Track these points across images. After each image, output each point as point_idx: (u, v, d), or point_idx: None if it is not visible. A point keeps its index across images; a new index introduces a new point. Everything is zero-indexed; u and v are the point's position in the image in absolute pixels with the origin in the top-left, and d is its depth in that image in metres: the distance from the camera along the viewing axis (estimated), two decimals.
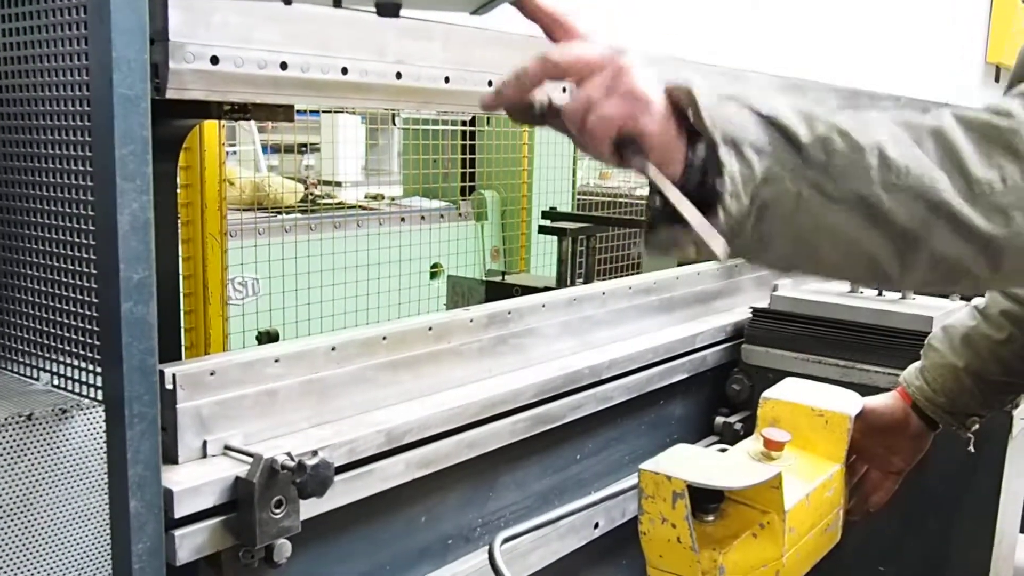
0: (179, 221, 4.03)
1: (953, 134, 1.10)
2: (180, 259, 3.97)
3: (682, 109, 1.14)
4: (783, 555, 1.74)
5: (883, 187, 1.08)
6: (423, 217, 6.30)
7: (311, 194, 6.69)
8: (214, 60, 1.43)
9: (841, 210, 1.10)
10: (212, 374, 1.51)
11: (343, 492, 1.61)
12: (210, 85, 1.44)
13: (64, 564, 1.25)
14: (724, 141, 1.09)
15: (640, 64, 1.15)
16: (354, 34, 1.65)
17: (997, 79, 4.81)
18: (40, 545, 1.23)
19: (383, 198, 7.07)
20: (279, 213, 5.65)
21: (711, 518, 1.73)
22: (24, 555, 1.21)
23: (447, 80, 1.83)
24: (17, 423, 1.19)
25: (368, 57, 1.67)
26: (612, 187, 10.68)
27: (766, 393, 2.02)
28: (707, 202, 1.09)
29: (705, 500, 1.70)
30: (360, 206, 6.58)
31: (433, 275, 6.16)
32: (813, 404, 1.96)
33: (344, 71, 1.64)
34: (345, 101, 1.74)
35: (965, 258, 1.11)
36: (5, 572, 1.19)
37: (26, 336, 1.37)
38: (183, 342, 3.80)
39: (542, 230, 4.09)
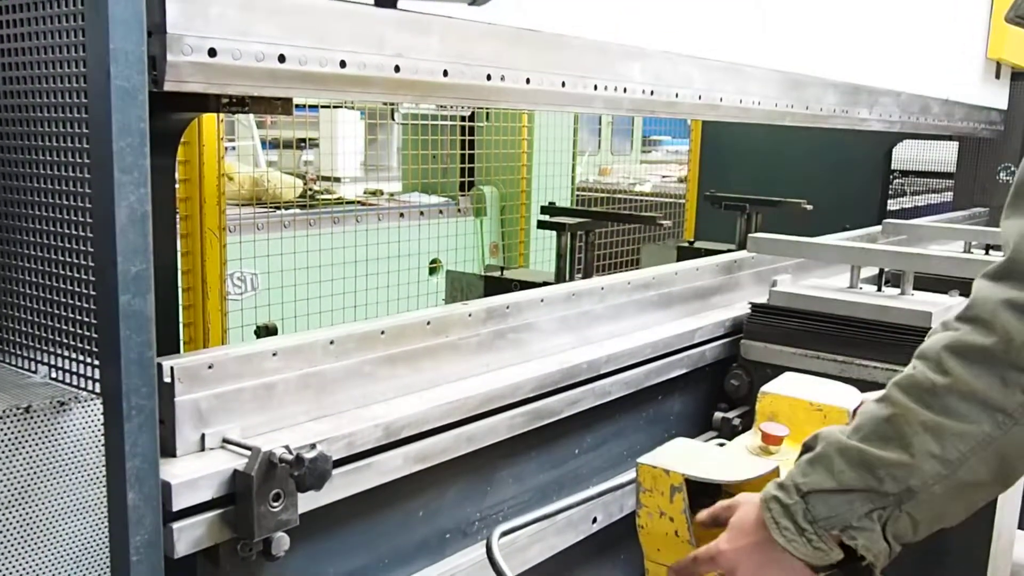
0: (177, 215, 4.02)
1: (965, 382, 1.29)
2: (179, 253, 3.96)
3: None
4: None
5: (959, 473, 1.30)
6: (422, 213, 6.29)
7: (310, 189, 6.68)
8: (212, 52, 1.43)
9: (946, 503, 1.34)
10: (210, 367, 1.51)
11: (341, 486, 1.61)
12: (208, 78, 1.44)
13: (62, 556, 1.25)
14: (843, 534, 1.37)
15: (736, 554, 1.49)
16: (352, 27, 1.65)
17: (998, 75, 4.81)
18: (38, 538, 1.23)
19: (382, 194, 7.06)
20: (278, 208, 5.64)
21: None
22: (22, 547, 1.21)
23: (445, 74, 1.83)
24: (15, 415, 1.18)
25: (366, 50, 1.67)
26: (611, 183, 10.71)
27: (765, 388, 2.02)
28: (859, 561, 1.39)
29: (703, 494, 1.70)
30: (359, 202, 6.57)
31: (432, 271, 6.16)
32: (812, 399, 1.95)
33: (343, 64, 1.64)
34: (343, 94, 1.73)
35: None
36: (4, 564, 1.19)
37: (24, 329, 1.37)
38: (182, 337, 3.80)
39: (541, 225, 4.08)
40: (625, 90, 2.31)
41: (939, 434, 1.30)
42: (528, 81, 2.03)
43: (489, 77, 1.93)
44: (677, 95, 2.50)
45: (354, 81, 1.66)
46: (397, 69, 1.73)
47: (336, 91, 1.68)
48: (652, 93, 2.41)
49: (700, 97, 2.61)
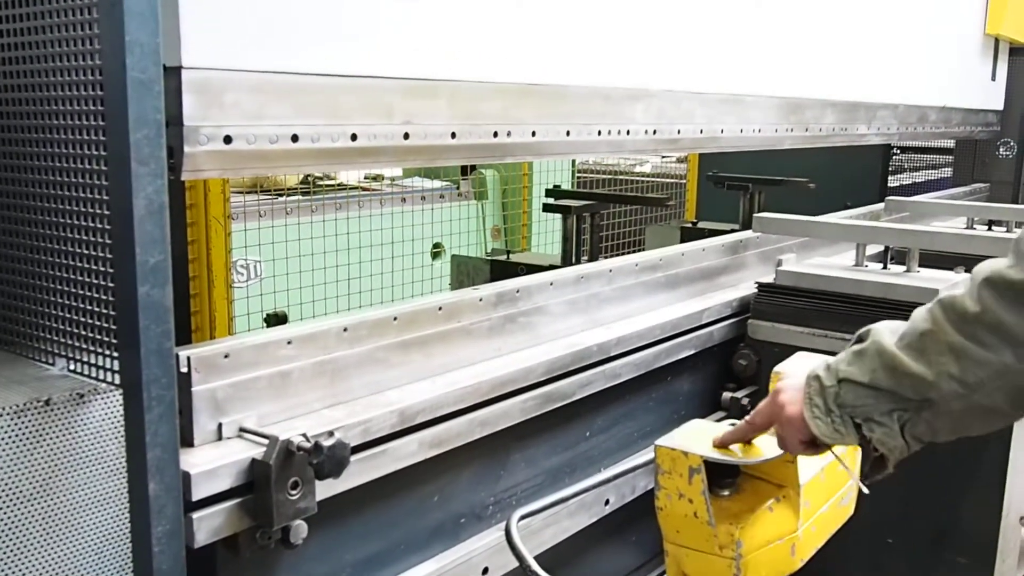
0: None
1: (994, 314, 1.33)
2: (187, 242, 3.96)
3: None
4: (799, 528, 1.74)
5: (975, 396, 1.37)
6: (424, 197, 6.26)
7: (311, 176, 6.66)
8: (227, 140, 1.44)
9: (964, 418, 1.42)
10: (226, 356, 1.52)
11: (357, 472, 1.62)
12: (223, 164, 1.45)
13: (84, 548, 1.26)
14: (864, 425, 1.49)
15: (788, 396, 1.60)
16: (362, 99, 1.66)
17: (996, 51, 4.80)
18: (60, 530, 1.23)
19: (383, 178, 7.04)
20: (280, 195, 5.62)
21: (727, 493, 1.74)
22: (44, 539, 1.22)
23: (453, 136, 1.85)
24: (35, 408, 1.19)
25: (376, 121, 1.69)
26: (611, 165, 10.68)
27: (778, 367, 2.01)
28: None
29: (721, 475, 1.70)
30: (361, 187, 6.55)
31: (435, 255, 6.15)
32: None
33: (353, 137, 1.66)
34: (355, 166, 1.77)
35: None
36: (27, 557, 1.20)
37: (42, 322, 1.37)
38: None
39: (546, 208, 4.06)
40: (628, 132, 2.33)
41: (961, 358, 1.37)
42: (534, 134, 2.04)
43: (496, 134, 1.94)
44: (679, 131, 2.52)
45: (365, 152, 1.68)
46: (406, 136, 1.75)
47: (347, 163, 1.72)
48: (655, 132, 2.43)
49: (701, 131, 2.62)
